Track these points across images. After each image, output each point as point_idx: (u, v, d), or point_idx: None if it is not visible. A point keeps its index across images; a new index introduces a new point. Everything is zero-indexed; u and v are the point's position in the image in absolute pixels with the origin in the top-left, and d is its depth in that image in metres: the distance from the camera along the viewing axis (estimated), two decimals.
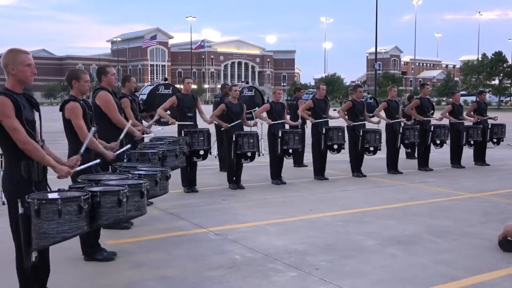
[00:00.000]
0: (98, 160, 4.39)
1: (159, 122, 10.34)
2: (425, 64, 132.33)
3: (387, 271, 4.56)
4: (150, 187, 4.27)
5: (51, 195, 3.37)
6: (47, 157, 3.47)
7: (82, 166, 4.10)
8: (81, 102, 4.63)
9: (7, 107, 3.32)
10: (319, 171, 9.64)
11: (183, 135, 7.93)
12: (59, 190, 3.56)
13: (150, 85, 11.45)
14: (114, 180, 4.04)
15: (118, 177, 4.23)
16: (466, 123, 11.37)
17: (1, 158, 7.19)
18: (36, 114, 3.59)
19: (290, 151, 8.84)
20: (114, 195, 3.61)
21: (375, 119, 10.50)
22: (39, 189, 3.49)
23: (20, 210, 3.23)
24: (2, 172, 7.04)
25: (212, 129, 8.95)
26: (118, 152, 4.90)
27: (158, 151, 5.74)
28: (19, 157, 3.42)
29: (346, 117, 9.85)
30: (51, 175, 3.65)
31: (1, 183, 7.17)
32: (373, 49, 56.43)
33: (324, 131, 9.30)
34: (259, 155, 8.87)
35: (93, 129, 4.44)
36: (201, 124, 8.45)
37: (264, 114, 9.25)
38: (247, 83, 14.79)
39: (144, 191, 3.93)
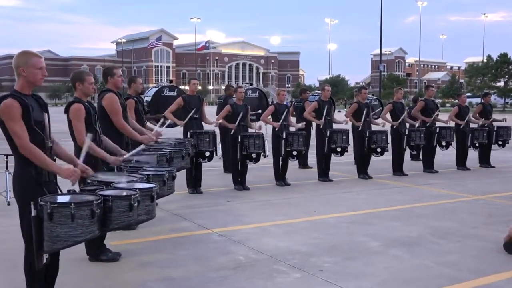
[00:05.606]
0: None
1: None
2: (429, 66, 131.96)
3: (391, 272, 4.57)
4: (158, 188, 4.26)
5: (63, 198, 3.34)
6: (50, 162, 3.39)
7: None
8: (86, 103, 4.64)
9: (13, 110, 3.30)
10: (323, 173, 9.63)
11: (188, 136, 7.94)
12: (69, 192, 3.54)
13: (155, 87, 11.45)
14: (124, 183, 4.03)
15: (127, 179, 4.22)
16: (472, 125, 11.35)
17: (6, 159, 7.28)
18: (45, 115, 3.57)
19: (294, 153, 8.84)
20: (125, 199, 3.58)
21: (379, 121, 10.49)
22: (49, 189, 3.46)
23: (33, 213, 3.19)
24: (7, 173, 7.16)
25: (217, 130, 8.96)
26: (129, 155, 4.83)
27: (165, 152, 5.76)
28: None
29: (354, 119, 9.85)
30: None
31: (6, 184, 7.28)
32: (377, 51, 56.24)
33: (328, 134, 9.31)
34: (264, 156, 8.86)
35: (89, 135, 4.36)
36: (206, 125, 8.46)
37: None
38: (251, 84, 14.78)
39: (154, 195, 3.91)
